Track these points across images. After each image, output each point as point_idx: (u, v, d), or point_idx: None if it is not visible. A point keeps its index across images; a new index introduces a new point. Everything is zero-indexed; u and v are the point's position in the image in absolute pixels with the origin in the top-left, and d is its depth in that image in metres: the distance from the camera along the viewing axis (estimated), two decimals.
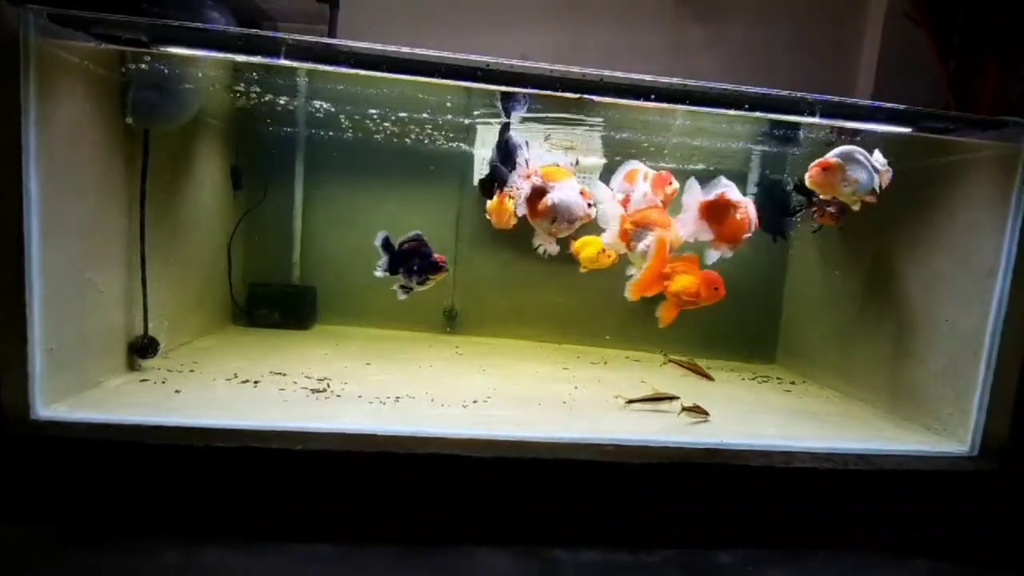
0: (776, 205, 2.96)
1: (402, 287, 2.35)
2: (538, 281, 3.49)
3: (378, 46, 1.92)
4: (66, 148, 1.91)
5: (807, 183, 2.25)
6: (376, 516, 1.85)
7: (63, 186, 1.90)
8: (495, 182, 2.59)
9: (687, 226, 2.34)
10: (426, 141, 3.23)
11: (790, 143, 2.84)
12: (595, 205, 2.42)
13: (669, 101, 2.09)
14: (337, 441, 1.86)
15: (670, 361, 2.56)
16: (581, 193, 2.34)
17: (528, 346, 3.54)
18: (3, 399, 1.77)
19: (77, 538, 1.71)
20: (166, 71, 2.18)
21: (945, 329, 2.41)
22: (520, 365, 3.09)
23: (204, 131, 2.95)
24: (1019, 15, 2.55)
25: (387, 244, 2.30)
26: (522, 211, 2.44)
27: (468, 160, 3.38)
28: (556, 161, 2.49)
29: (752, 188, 3.17)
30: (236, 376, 2.42)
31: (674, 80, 2.04)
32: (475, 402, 2.36)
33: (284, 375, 2.48)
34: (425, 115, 2.81)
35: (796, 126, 2.50)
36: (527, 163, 2.43)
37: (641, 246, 2.33)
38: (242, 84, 2.56)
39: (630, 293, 2.35)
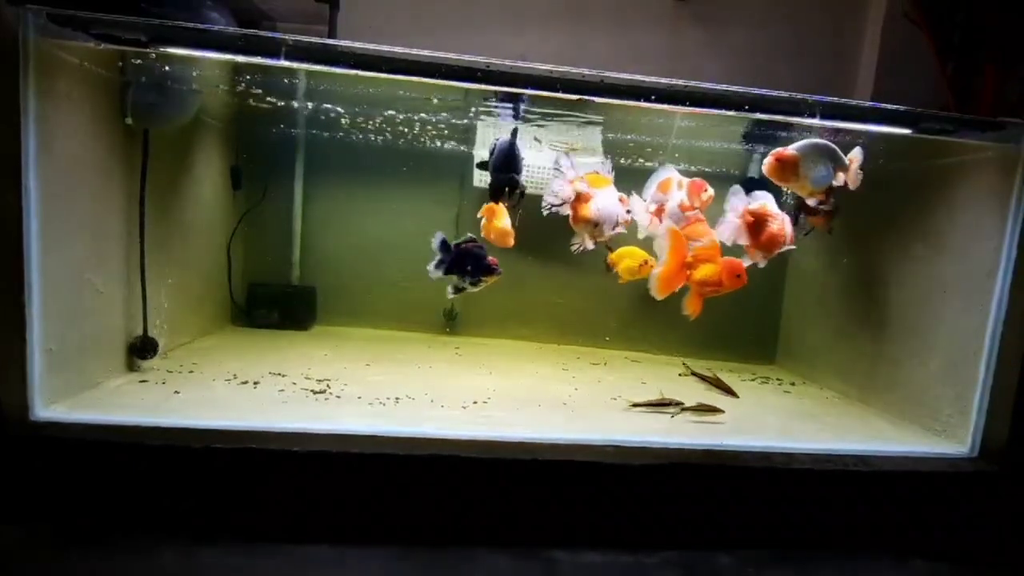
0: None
1: (455, 287, 2.38)
2: (538, 282, 3.49)
3: (377, 47, 1.92)
4: (65, 148, 1.91)
5: (764, 172, 2.24)
6: (376, 517, 1.85)
7: (62, 186, 1.90)
8: (505, 187, 2.60)
9: (728, 230, 2.37)
10: (426, 141, 3.23)
11: (771, 143, 2.83)
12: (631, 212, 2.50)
13: (669, 102, 2.09)
14: (336, 442, 1.85)
15: (692, 374, 2.55)
16: (619, 200, 2.40)
17: (528, 347, 3.54)
18: (2, 399, 1.77)
19: (76, 538, 1.71)
20: (165, 71, 2.18)
21: (945, 330, 2.41)
22: (520, 366, 3.09)
23: (203, 131, 2.94)
24: (1018, 16, 2.56)
25: (444, 245, 2.34)
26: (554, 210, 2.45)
27: (468, 160, 3.38)
28: (596, 169, 2.51)
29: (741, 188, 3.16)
30: (235, 377, 2.41)
31: (674, 81, 2.04)
32: (475, 403, 2.36)
33: (284, 376, 2.48)
34: (425, 115, 2.82)
35: (780, 126, 2.48)
36: (569, 170, 2.45)
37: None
38: (242, 84, 2.56)
39: (656, 290, 2.35)
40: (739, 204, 2.36)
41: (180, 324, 2.76)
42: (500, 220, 2.58)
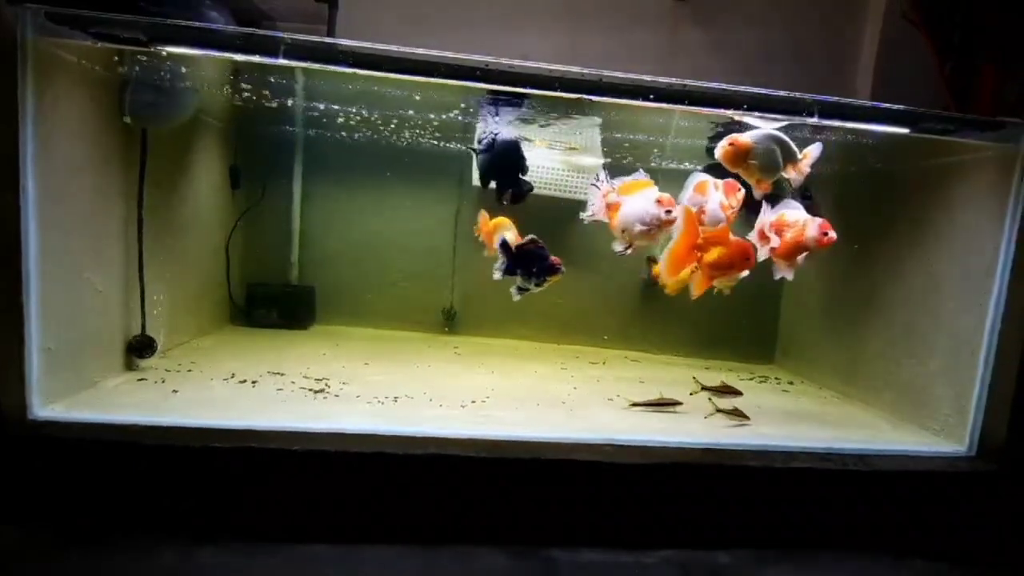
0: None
1: (519, 288, 2.40)
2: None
3: (377, 46, 1.92)
4: (64, 147, 1.90)
5: (717, 156, 2.28)
6: (375, 516, 1.85)
7: (60, 186, 1.89)
8: (511, 190, 2.63)
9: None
10: (425, 140, 3.23)
11: None
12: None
13: (668, 101, 2.09)
14: (335, 441, 1.85)
15: (704, 389, 2.55)
16: (658, 201, 2.34)
17: (527, 346, 3.54)
18: (1, 399, 1.77)
19: (75, 538, 1.71)
20: (164, 70, 2.18)
21: (943, 329, 2.41)
22: (519, 365, 3.09)
23: (202, 130, 2.94)
24: (1017, 16, 2.56)
25: (505, 246, 2.36)
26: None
27: (467, 160, 3.38)
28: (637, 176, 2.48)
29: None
30: (234, 376, 2.41)
31: (673, 80, 2.04)
32: (474, 402, 2.36)
33: (282, 375, 2.48)
34: (423, 114, 2.81)
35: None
36: (606, 179, 2.46)
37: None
38: (241, 83, 2.56)
39: (667, 272, 2.34)
40: (766, 219, 2.40)
41: (179, 323, 2.76)
42: (511, 234, 2.59)
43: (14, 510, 1.75)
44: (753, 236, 2.41)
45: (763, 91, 2.09)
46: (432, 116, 2.82)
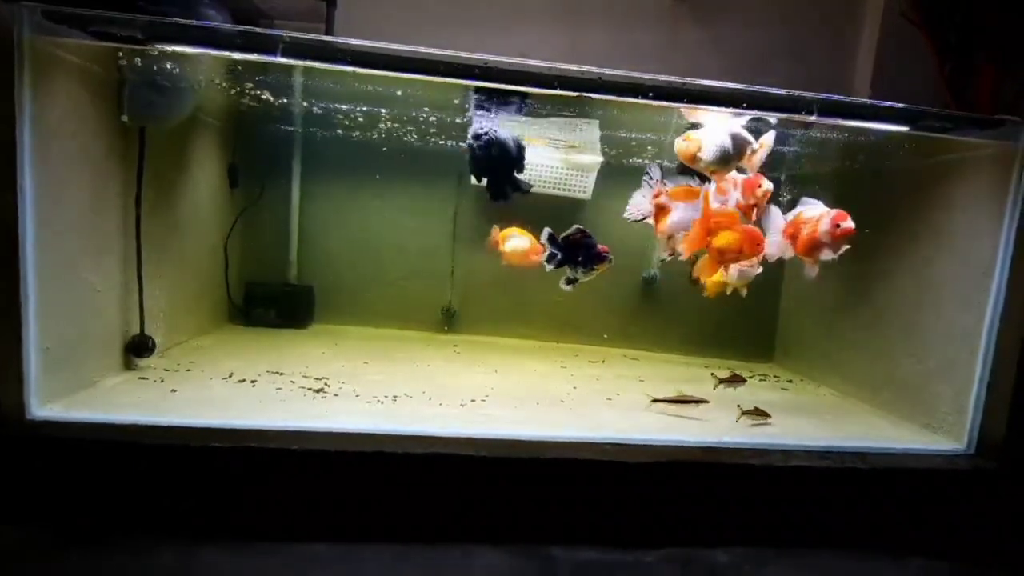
0: None
1: (568, 279, 2.41)
2: (536, 279, 3.48)
3: (375, 44, 1.91)
4: (61, 146, 1.90)
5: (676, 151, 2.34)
6: (374, 515, 1.85)
7: (58, 185, 1.89)
8: (507, 185, 2.63)
9: (773, 247, 2.44)
10: (424, 139, 3.22)
11: None
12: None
13: (667, 99, 2.09)
14: (335, 441, 1.85)
15: (721, 382, 2.56)
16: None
17: (526, 345, 3.54)
18: None
19: (75, 538, 1.70)
20: (162, 69, 2.17)
21: (942, 328, 2.41)
22: (518, 364, 3.09)
23: (200, 129, 2.93)
24: (1017, 16, 2.56)
25: (552, 239, 2.37)
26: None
27: (465, 158, 3.38)
28: (688, 183, 2.50)
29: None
30: (233, 375, 2.41)
31: (672, 78, 2.04)
32: (473, 401, 2.36)
33: (281, 374, 2.47)
34: (422, 113, 2.81)
35: None
36: (659, 182, 2.46)
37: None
38: (239, 82, 2.55)
39: (683, 250, 2.37)
40: (780, 221, 2.43)
41: (177, 323, 2.75)
42: (519, 240, 2.60)
43: (13, 510, 1.75)
44: (778, 236, 2.42)
45: (762, 89, 2.09)
46: (431, 115, 2.82)
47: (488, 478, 1.87)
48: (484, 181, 2.76)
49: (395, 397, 2.30)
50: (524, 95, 2.38)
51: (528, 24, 3.16)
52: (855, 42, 3.27)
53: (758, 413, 2.34)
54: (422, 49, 1.92)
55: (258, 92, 2.65)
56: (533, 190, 3.32)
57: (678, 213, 2.37)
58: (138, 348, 2.33)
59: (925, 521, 2.09)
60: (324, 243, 3.51)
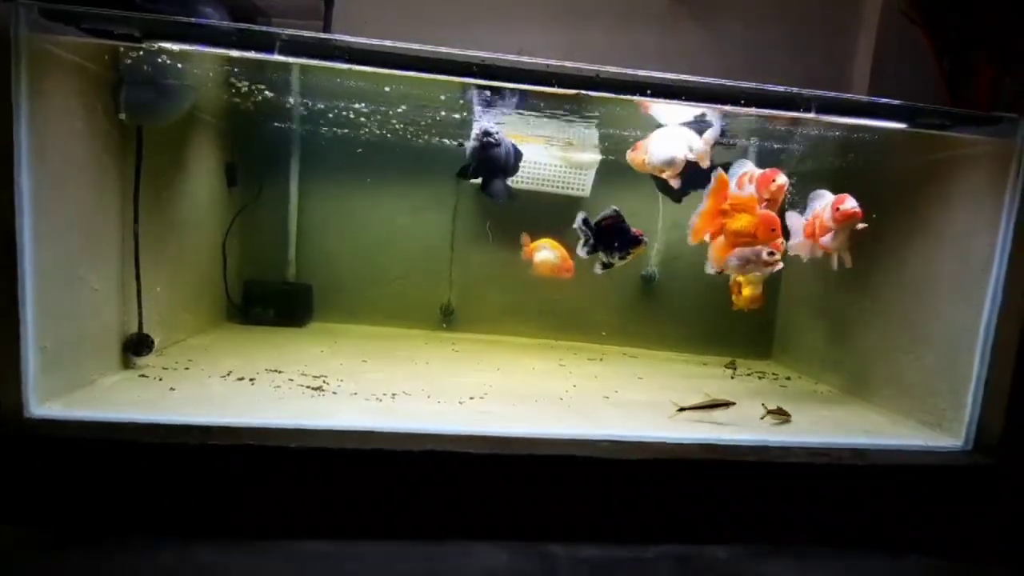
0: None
1: (603, 264, 2.43)
2: (535, 278, 3.49)
3: (373, 41, 1.91)
4: (58, 145, 1.89)
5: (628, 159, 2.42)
6: (373, 513, 1.85)
7: (56, 183, 1.88)
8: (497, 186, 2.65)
9: (803, 248, 2.48)
10: (422, 137, 3.22)
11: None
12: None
13: (665, 97, 2.09)
14: (333, 438, 1.85)
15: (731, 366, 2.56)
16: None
17: (525, 343, 3.54)
18: None
19: (73, 538, 1.70)
20: (160, 67, 2.16)
21: (940, 324, 2.42)
22: (517, 362, 3.09)
23: (198, 127, 2.93)
24: (1016, 15, 2.56)
25: (587, 224, 2.37)
26: None
27: (464, 156, 3.38)
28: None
29: None
30: (231, 374, 2.41)
31: (670, 76, 2.04)
32: (472, 399, 2.36)
33: (280, 373, 2.47)
34: (420, 111, 2.81)
35: None
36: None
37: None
38: (237, 80, 2.55)
39: (692, 236, 2.38)
40: (798, 223, 2.46)
41: (176, 321, 2.75)
42: (549, 252, 2.61)
43: (11, 510, 1.74)
44: (799, 238, 2.45)
45: (760, 86, 2.09)
46: (429, 113, 2.81)
47: (487, 475, 1.87)
48: (473, 179, 2.79)
49: (394, 395, 2.30)
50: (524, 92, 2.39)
51: (526, 23, 3.16)
52: (853, 39, 3.27)
53: (780, 413, 2.34)
54: (420, 46, 1.92)
55: (256, 88, 2.64)
56: (533, 188, 3.33)
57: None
58: (136, 347, 2.33)
59: (923, 517, 2.09)
60: (323, 241, 3.51)
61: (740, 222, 2.23)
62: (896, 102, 2.16)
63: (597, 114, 2.67)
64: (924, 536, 2.07)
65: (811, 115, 2.12)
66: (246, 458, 1.78)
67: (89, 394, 2.03)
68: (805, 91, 2.09)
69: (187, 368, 2.44)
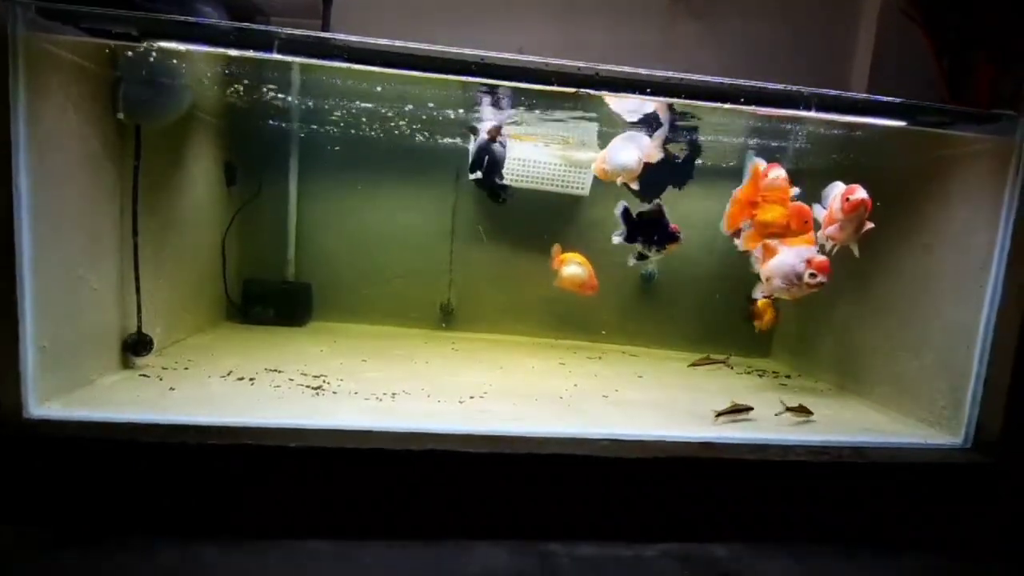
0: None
1: (639, 255, 2.46)
2: (535, 277, 3.49)
3: (372, 40, 1.90)
4: (56, 144, 1.89)
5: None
6: (373, 512, 1.85)
7: (54, 183, 1.88)
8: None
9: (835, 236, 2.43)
10: (421, 136, 3.21)
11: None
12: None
13: (665, 95, 2.08)
14: (333, 438, 1.85)
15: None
16: (808, 262, 2.33)
17: (525, 342, 3.54)
18: None
19: (73, 537, 1.70)
20: (158, 66, 2.16)
21: (939, 322, 2.42)
22: (517, 361, 3.09)
23: (197, 127, 2.92)
24: (1016, 14, 2.56)
25: (627, 215, 2.40)
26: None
27: (463, 155, 3.38)
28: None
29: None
30: (231, 373, 2.41)
31: (669, 74, 2.04)
32: (472, 398, 2.36)
33: (279, 372, 2.47)
34: (419, 110, 2.80)
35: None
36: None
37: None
38: (236, 79, 2.54)
39: (726, 225, 2.39)
40: (819, 213, 2.44)
41: (175, 321, 2.75)
42: (577, 268, 2.62)
43: (11, 510, 1.74)
44: (833, 230, 2.42)
45: (759, 84, 2.09)
46: (428, 111, 2.81)
47: (487, 474, 1.87)
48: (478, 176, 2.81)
49: (393, 394, 2.30)
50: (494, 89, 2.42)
51: (524, 20, 3.15)
52: (852, 37, 3.27)
53: (802, 411, 2.34)
54: (419, 45, 1.92)
55: (254, 87, 2.64)
56: (532, 187, 3.33)
57: (778, 257, 2.36)
58: (136, 346, 2.33)
59: (922, 516, 2.09)
60: (322, 240, 3.51)
61: (771, 213, 2.21)
62: (895, 100, 2.16)
63: (596, 115, 2.67)
64: (923, 534, 2.07)
65: (811, 113, 2.11)
66: (246, 458, 1.78)
67: (88, 394, 2.03)
68: (805, 89, 2.09)
69: (187, 368, 2.44)
